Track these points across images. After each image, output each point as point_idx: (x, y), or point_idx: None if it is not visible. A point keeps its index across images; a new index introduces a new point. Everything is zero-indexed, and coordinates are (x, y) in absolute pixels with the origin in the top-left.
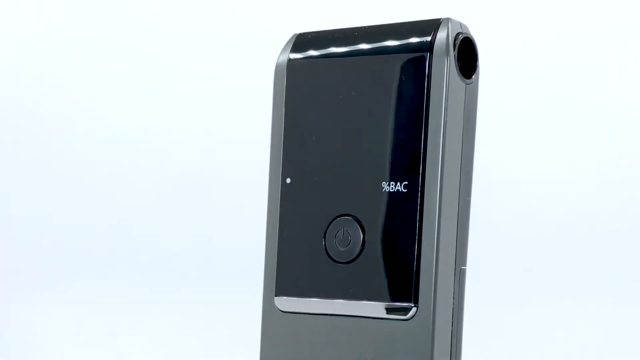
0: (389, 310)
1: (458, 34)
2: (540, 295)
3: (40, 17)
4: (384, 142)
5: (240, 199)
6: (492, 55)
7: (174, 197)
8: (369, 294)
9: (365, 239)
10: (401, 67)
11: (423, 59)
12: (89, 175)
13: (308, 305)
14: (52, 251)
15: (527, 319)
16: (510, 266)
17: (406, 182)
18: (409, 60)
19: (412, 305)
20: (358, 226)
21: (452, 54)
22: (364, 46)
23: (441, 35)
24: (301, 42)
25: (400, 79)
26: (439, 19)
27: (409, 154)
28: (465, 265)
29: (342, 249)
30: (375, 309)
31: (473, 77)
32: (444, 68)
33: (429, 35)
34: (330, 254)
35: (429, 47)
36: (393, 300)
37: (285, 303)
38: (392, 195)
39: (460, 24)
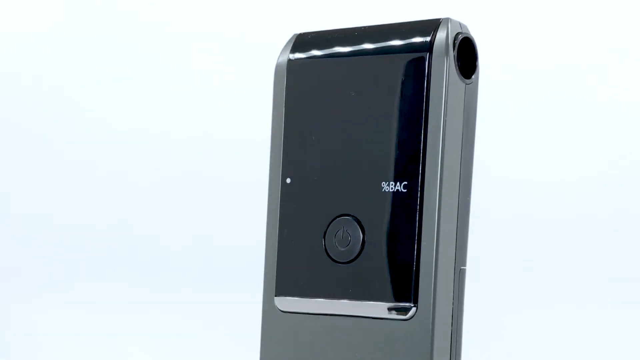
0: (388, 310)
1: (458, 34)
2: (540, 295)
3: (40, 17)
4: (383, 142)
5: (240, 199)
6: (492, 55)
7: (174, 197)
8: (368, 294)
9: (365, 239)
10: (401, 67)
11: (423, 59)
12: (89, 175)
13: (308, 305)
14: (52, 251)
15: (527, 319)
16: (510, 266)
17: (406, 182)
18: (408, 60)
19: (412, 305)
20: (358, 226)
21: (452, 54)
22: (364, 46)
23: (441, 35)
24: (301, 42)
25: (400, 79)
26: (439, 19)
27: (408, 154)
28: (465, 265)
29: (342, 249)
30: (375, 308)
31: (473, 77)
32: (443, 68)
33: (429, 35)
34: (330, 254)
35: (428, 47)
36: (393, 300)
37: (285, 303)
38: (391, 195)
39: (460, 24)
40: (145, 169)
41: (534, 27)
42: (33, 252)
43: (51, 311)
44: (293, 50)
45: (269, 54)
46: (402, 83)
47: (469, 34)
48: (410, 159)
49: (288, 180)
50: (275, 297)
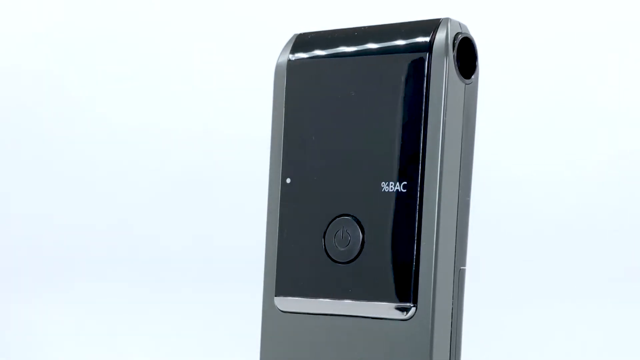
0: (388, 310)
1: (457, 34)
2: (540, 295)
3: (40, 17)
4: (383, 142)
5: (240, 199)
6: (492, 55)
7: (174, 197)
8: (368, 294)
9: (365, 239)
10: (401, 67)
11: (422, 59)
12: (89, 175)
13: (308, 305)
14: (52, 251)
15: (527, 319)
16: (510, 266)
17: (405, 182)
18: (408, 61)
19: (412, 305)
20: (357, 226)
21: (452, 54)
22: (364, 46)
23: (440, 35)
24: (301, 42)
25: (400, 79)
26: (438, 19)
27: (408, 154)
28: (464, 265)
29: (342, 249)
30: (375, 308)
31: (472, 77)
32: (443, 68)
33: (428, 35)
34: (329, 254)
35: (428, 47)
36: (392, 300)
37: (285, 303)
38: (391, 195)
39: (459, 24)
40: (145, 169)
41: (533, 27)
42: (33, 252)
43: (51, 311)
44: (293, 51)
45: (269, 54)
46: (402, 83)
47: (469, 34)
48: (409, 159)
49: (288, 180)
50: (275, 297)
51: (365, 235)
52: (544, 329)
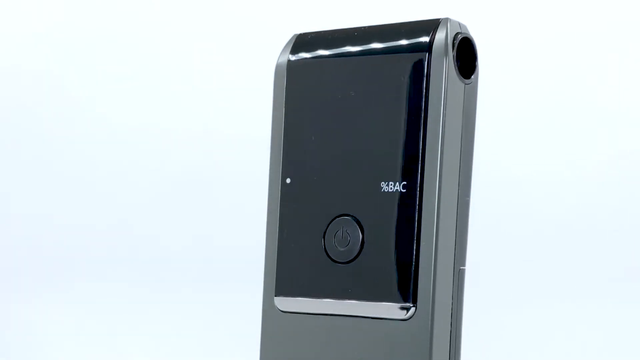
0: (388, 310)
1: (457, 34)
2: (540, 295)
3: (40, 17)
4: (383, 142)
5: (240, 199)
6: (492, 55)
7: (174, 197)
8: (368, 294)
9: (365, 239)
10: (400, 68)
11: (422, 59)
12: (89, 175)
13: (308, 305)
14: (52, 251)
15: (527, 319)
16: (510, 266)
17: (405, 182)
18: (408, 61)
19: (411, 305)
20: (357, 226)
21: (451, 54)
22: (364, 46)
23: (440, 35)
24: (301, 42)
25: (400, 79)
26: (438, 19)
27: (408, 154)
28: (464, 265)
29: (342, 249)
30: (375, 308)
31: (472, 77)
32: (442, 68)
33: (428, 35)
34: (329, 254)
35: (427, 47)
36: (392, 300)
37: (285, 303)
38: (391, 195)
39: (459, 24)
40: (145, 169)
41: (533, 27)
42: (33, 252)
43: (51, 311)
44: (293, 51)
45: (269, 54)
46: (402, 83)
47: (469, 34)
48: (409, 159)
49: (288, 180)
50: (275, 297)
51: (365, 235)
52: (544, 329)
